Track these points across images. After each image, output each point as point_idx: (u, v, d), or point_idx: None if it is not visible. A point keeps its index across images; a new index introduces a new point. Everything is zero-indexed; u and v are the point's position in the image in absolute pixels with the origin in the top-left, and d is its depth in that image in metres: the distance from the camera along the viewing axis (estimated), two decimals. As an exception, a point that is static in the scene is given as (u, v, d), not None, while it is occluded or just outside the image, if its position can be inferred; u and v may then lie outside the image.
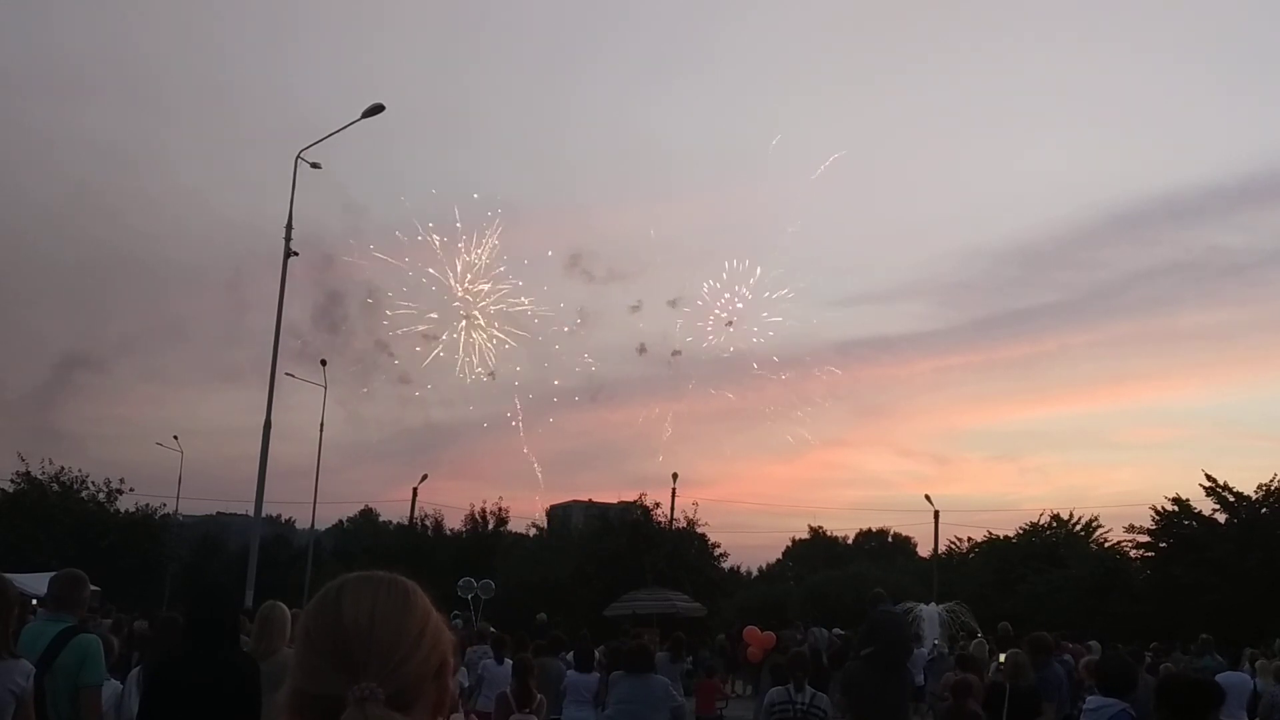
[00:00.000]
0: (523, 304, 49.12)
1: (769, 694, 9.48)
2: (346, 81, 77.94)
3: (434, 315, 48.09)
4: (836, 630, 26.42)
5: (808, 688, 9.11)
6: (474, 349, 48.36)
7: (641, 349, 54.76)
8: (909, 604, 30.56)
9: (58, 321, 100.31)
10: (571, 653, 13.40)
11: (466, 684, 13.50)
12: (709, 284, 52.00)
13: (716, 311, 51.41)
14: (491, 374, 48.62)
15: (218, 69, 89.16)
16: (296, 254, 26.61)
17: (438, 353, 48.41)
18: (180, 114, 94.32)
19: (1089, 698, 7.14)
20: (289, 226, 26.13)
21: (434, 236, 46.16)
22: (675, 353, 53.07)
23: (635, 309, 56.69)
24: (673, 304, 58.56)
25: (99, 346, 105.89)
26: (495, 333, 48.67)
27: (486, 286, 48.02)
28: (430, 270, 46.92)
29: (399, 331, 48.44)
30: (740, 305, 51.58)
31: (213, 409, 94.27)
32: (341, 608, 1.46)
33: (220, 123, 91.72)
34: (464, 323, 48.18)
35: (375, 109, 26.42)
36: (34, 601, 17.59)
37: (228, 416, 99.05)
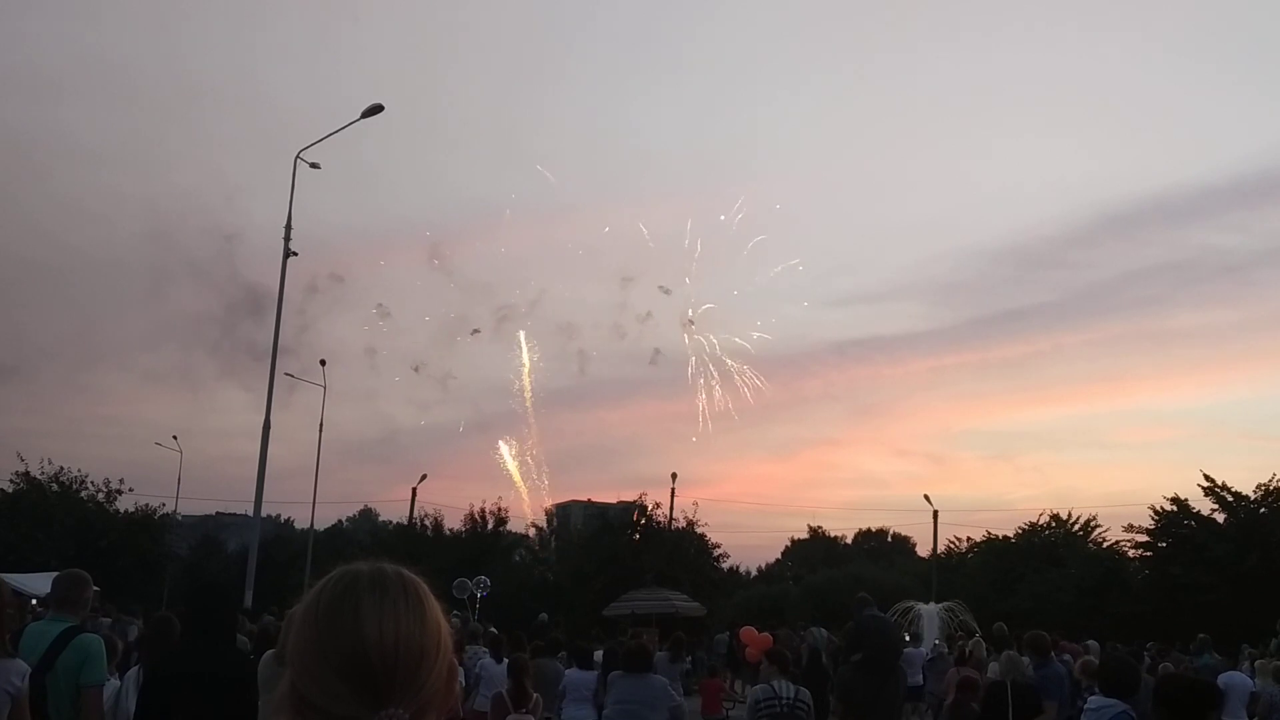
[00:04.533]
0: (511, 304, 49.18)
1: (753, 691, 9.53)
2: (324, 83, 78.11)
3: (426, 317, 48.14)
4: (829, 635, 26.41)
5: (790, 684, 9.15)
6: (465, 350, 48.44)
7: (636, 348, 54.77)
8: (908, 603, 30.63)
9: (56, 321, 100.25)
10: (567, 652, 13.41)
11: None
12: (704, 284, 52.02)
13: (713, 311, 51.45)
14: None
15: (194, 70, 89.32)
16: (296, 254, 26.65)
17: (433, 351, 48.46)
18: (162, 115, 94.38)
19: (1090, 698, 7.14)
20: (288, 227, 26.17)
21: (419, 235, 46.30)
22: (657, 352, 53.15)
23: (629, 309, 56.77)
24: (666, 304, 58.60)
25: (98, 346, 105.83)
26: (486, 334, 48.70)
27: (475, 288, 48.08)
28: (416, 270, 46.97)
29: (391, 331, 48.48)
30: (737, 305, 51.62)
31: (212, 409, 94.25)
32: (362, 628, 1.43)
33: (204, 124, 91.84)
34: (454, 323, 48.24)
35: (374, 109, 26.43)
36: (33, 601, 17.64)
37: (227, 416, 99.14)
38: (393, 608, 1.46)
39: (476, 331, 48.51)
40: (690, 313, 54.31)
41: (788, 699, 8.83)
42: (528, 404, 49.12)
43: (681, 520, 43.72)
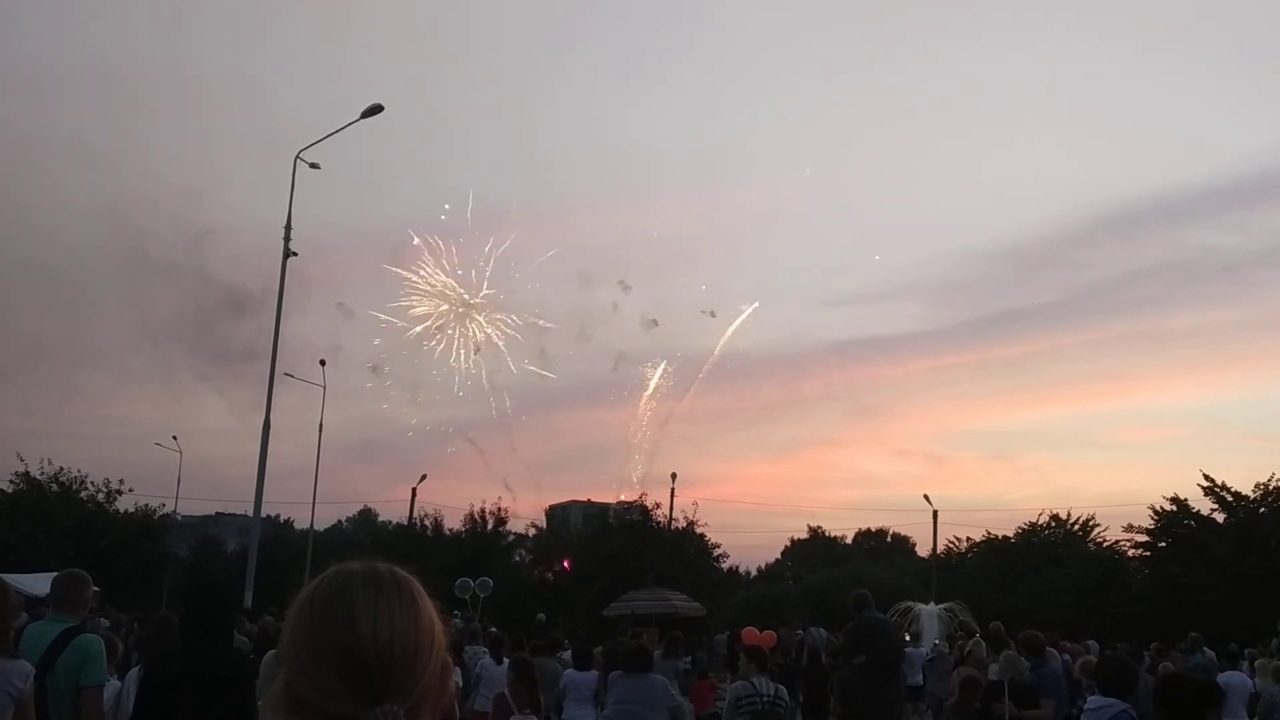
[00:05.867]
0: (506, 306, 49.05)
1: (733, 689, 9.55)
2: (323, 85, 77.92)
3: (417, 319, 48.02)
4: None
5: (770, 681, 9.20)
6: (459, 350, 48.40)
7: (630, 352, 54.73)
8: (908, 603, 30.63)
9: (55, 321, 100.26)
10: (568, 653, 13.40)
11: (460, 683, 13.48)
12: (701, 284, 52.01)
13: (712, 311, 51.44)
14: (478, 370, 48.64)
15: (195, 70, 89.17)
16: (296, 254, 26.64)
17: (422, 352, 48.44)
18: (164, 114, 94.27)
19: (1090, 698, 7.15)
20: (288, 227, 26.18)
21: (417, 238, 46.30)
22: (620, 357, 53.11)
23: (624, 311, 56.80)
24: (664, 304, 58.61)
25: (98, 346, 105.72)
26: (481, 335, 48.65)
27: (469, 290, 48.05)
28: (412, 272, 46.90)
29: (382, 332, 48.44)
30: (735, 304, 51.68)
31: (212, 409, 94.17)
32: (357, 626, 1.44)
33: (205, 124, 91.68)
34: (448, 325, 48.20)
35: (374, 109, 26.43)
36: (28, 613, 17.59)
37: (226, 417, 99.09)
38: (386, 605, 1.47)
39: (440, 329, 48.11)
40: (687, 312, 54.31)
41: (768, 696, 8.88)
42: (506, 407, 49.03)
43: (681, 520, 43.76)
